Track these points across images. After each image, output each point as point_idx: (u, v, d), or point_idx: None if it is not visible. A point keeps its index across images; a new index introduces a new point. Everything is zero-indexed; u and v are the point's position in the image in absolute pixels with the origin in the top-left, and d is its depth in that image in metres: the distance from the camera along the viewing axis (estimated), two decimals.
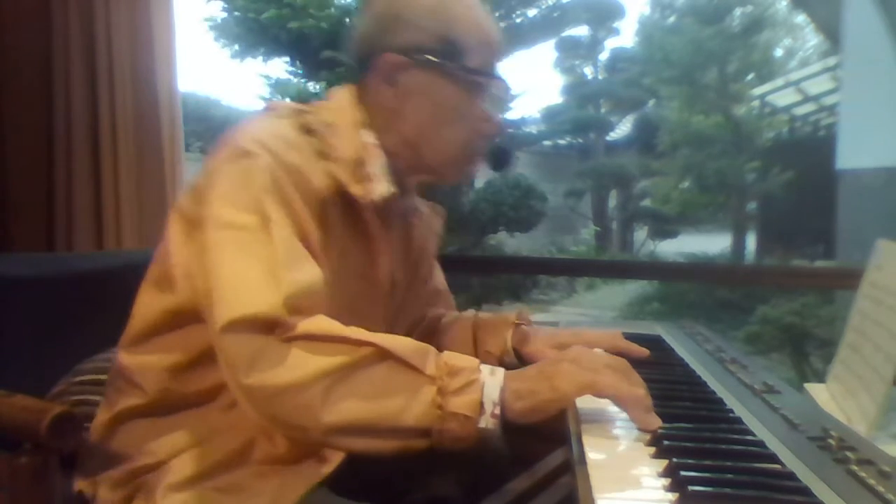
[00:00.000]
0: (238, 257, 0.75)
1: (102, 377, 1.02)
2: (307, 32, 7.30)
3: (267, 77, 8.28)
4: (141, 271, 0.90)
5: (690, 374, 0.91)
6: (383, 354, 0.71)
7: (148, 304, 0.87)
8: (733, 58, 11.00)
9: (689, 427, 0.69)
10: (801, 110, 11.71)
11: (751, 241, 10.94)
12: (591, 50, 13.62)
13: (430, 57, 0.89)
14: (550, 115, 13.03)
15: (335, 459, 0.79)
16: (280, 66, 8.20)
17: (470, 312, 1.14)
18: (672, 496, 0.54)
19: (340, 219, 0.86)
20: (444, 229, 1.13)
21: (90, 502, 0.86)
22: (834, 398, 0.93)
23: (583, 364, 0.74)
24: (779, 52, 13.32)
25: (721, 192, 10.84)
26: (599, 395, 0.73)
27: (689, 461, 0.59)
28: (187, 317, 0.83)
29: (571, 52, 13.61)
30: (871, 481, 0.56)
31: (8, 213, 1.73)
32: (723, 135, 10.54)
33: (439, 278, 1.16)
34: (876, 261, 0.96)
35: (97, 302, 1.17)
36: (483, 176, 9.27)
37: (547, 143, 12.97)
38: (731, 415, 0.74)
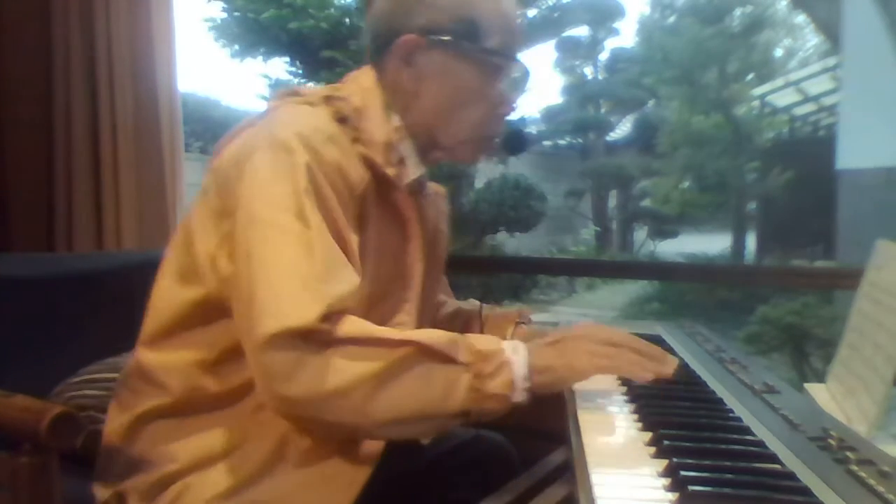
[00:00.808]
0: (280, 263, 0.73)
1: (103, 376, 1.02)
2: (307, 32, 7.31)
3: (267, 77, 8.29)
4: (141, 271, 0.89)
5: (690, 374, 0.91)
6: (420, 351, 0.74)
7: (172, 298, 0.84)
8: (733, 58, 11.00)
9: (689, 427, 0.69)
10: (801, 110, 11.72)
11: (751, 241, 10.94)
12: (591, 50, 13.62)
13: (448, 38, 0.89)
14: (550, 115, 13.03)
15: (369, 461, 0.80)
16: (280, 66, 8.21)
17: (473, 303, 1.14)
18: (672, 496, 0.54)
19: (377, 204, 0.86)
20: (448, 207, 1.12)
21: None
22: (834, 398, 0.93)
23: (597, 339, 0.78)
24: (779, 52, 13.33)
25: (721, 192, 10.84)
26: (613, 374, 0.79)
27: (689, 461, 0.59)
28: (216, 310, 0.81)
29: (571, 52, 13.61)
30: (871, 481, 0.56)
31: (8, 213, 1.73)
32: (723, 135, 10.54)
33: None
34: (876, 261, 0.96)
35: (97, 302, 1.17)
36: (484, 176, 9.27)
37: (547, 143, 12.97)
38: (731, 415, 0.75)
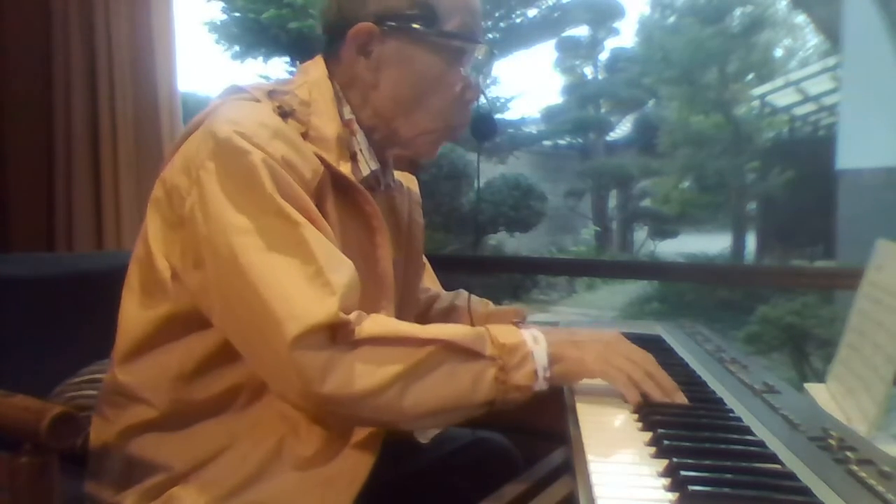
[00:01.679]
0: (277, 266, 0.72)
1: (103, 376, 1.01)
2: (307, 32, 7.30)
3: (267, 78, 8.28)
4: None
5: (690, 374, 0.91)
6: (446, 348, 0.75)
7: (139, 317, 0.82)
8: (733, 58, 10.99)
9: (689, 427, 0.69)
10: (801, 110, 11.71)
11: (751, 241, 10.94)
12: (591, 50, 13.62)
13: (404, 24, 0.85)
14: (550, 115, 13.03)
15: (368, 462, 0.80)
16: (280, 67, 8.20)
17: (462, 295, 1.13)
18: (672, 496, 0.54)
19: (335, 201, 0.83)
20: (420, 195, 1.10)
21: None
22: (834, 398, 0.93)
23: (614, 350, 0.80)
24: (779, 52, 13.32)
25: (721, 192, 10.84)
26: (611, 383, 0.79)
27: (689, 461, 0.59)
28: (186, 324, 0.80)
29: (571, 52, 13.61)
30: (871, 481, 0.56)
31: (8, 213, 1.73)
32: (723, 135, 10.54)
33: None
34: (876, 261, 0.96)
35: (97, 302, 1.16)
36: (483, 176, 9.26)
37: (547, 143, 12.96)
38: (731, 415, 0.75)
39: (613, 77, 13.25)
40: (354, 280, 0.76)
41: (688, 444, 0.65)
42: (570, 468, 0.63)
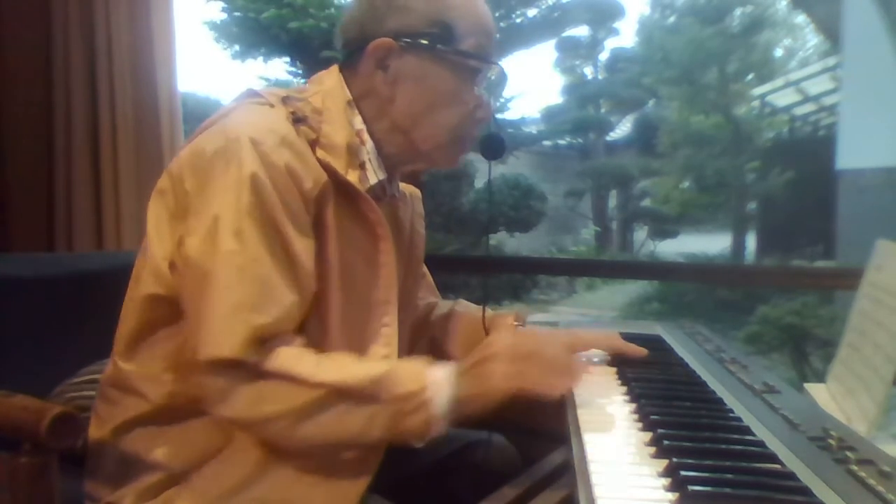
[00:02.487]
0: (217, 286, 0.75)
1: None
2: (307, 32, 7.30)
3: (266, 78, 8.28)
4: None
5: (690, 374, 0.91)
6: (339, 394, 0.76)
7: (137, 301, 0.85)
8: (733, 58, 11.00)
9: (689, 427, 0.69)
10: (801, 110, 11.72)
11: (751, 241, 10.95)
12: (591, 50, 13.63)
13: (423, 41, 0.87)
14: (550, 115, 13.04)
15: (374, 456, 0.82)
16: (280, 67, 8.20)
17: (461, 304, 1.13)
18: (672, 496, 0.54)
19: (341, 207, 0.85)
20: (423, 208, 1.12)
21: None
22: (834, 398, 0.93)
23: (514, 359, 0.79)
24: (779, 52, 13.33)
25: (721, 192, 10.84)
26: (525, 393, 0.79)
27: (689, 461, 0.59)
28: (176, 308, 0.82)
29: (571, 52, 13.62)
30: (871, 481, 0.56)
31: (8, 213, 1.73)
32: (723, 135, 10.54)
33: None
34: (876, 261, 0.96)
35: (97, 302, 1.16)
36: (483, 176, 9.26)
37: (547, 143, 12.96)
38: (731, 415, 0.75)
39: (613, 77, 13.26)
40: (283, 317, 0.77)
41: (688, 444, 0.65)
42: (570, 468, 0.63)
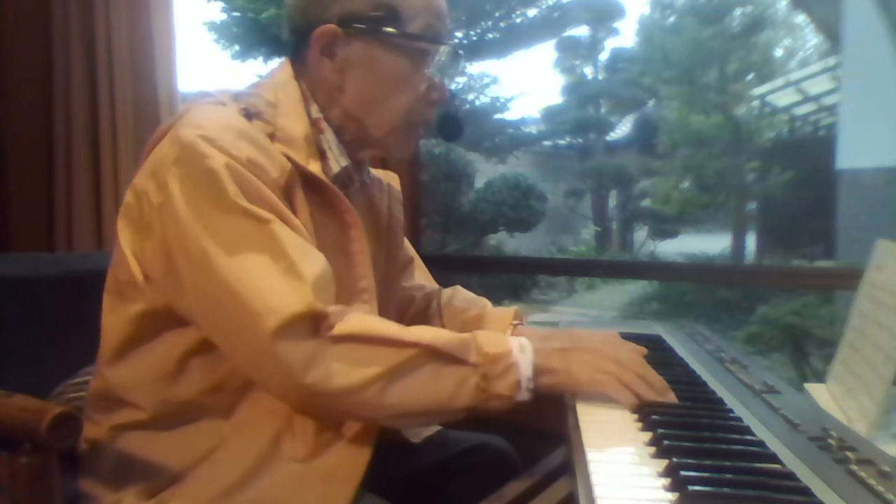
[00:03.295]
0: (249, 263, 0.73)
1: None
2: None
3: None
4: None
5: (690, 374, 0.91)
6: (429, 353, 0.75)
7: (118, 316, 0.84)
8: (733, 58, 10.98)
9: (689, 427, 0.69)
10: (801, 110, 11.70)
11: (751, 241, 10.94)
12: (591, 50, 13.62)
13: (368, 26, 0.86)
14: (550, 115, 13.02)
15: (364, 453, 0.81)
16: None
17: (459, 293, 1.13)
18: (672, 496, 0.54)
19: (306, 198, 0.83)
20: (401, 193, 1.10)
21: None
22: (834, 398, 0.93)
23: (602, 355, 0.79)
24: (779, 52, 13.31)
25: (721, 192, 10.83)
26: (603, 393, 0.78)
27: (689, 461, 0.59)
28: (162, 323, 0.81)
29: (571, 52, 13.61)
30: (871, 481, 0.56)
31: (8, 213, 1.73)
32: (723, 135, 10.53)
33: (408, 245, 1.15)
34: (876, 261, 0.96)
35: (97, 302, 1.16)
36: (483, 176, 9.26)
37: (547, 143, 12.96)
38: (731, 415, 0.75)
39: (613, 77, 13.25)
40: (328, 272, 0.77)
41: (688, 444, 0.65)
42: (570, 468, 0.63)
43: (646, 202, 12.75)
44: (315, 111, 0.89)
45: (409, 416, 0.78)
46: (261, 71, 8.42)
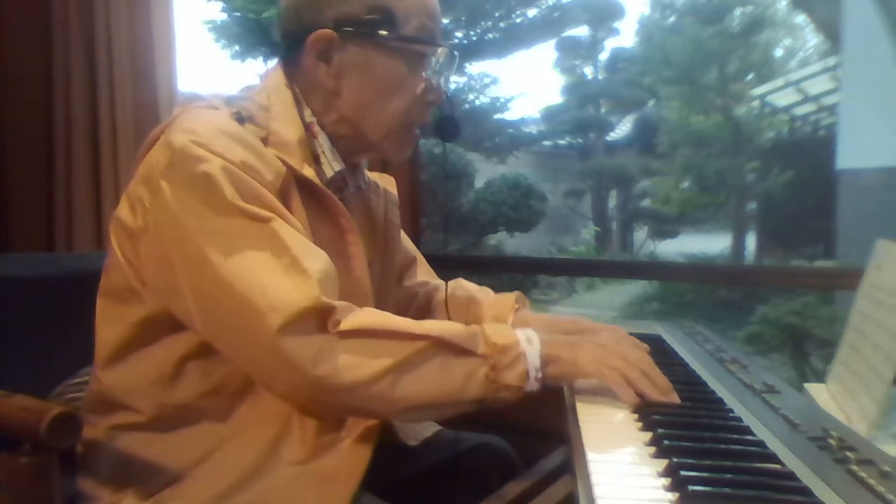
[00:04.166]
0: (250, 261, 0.73)
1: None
2: None
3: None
4: None
5: (690, 374, 0.91)
6: (438, 345, 0.75)
7: (115, 320, 0.84)
8: (733, 58, 10.98)
9: (689, 427, 0.69)
10: (801, 110, 11.70)
11: (751, 241, 10.94)
12: (591, 50, 13.63)
13: (362, 29, 0.85)
14: (550, 115, 13.03)
15: (364, 454, 0.81)
16: None
17: (462, 285, 1.13)
18: (672, 496, 0.54)
19: (302, 202, 0.83)
20: (398, 196, 1.10)
21: None
22: (834, 398, 0.93)
23: (610, 350, 0.80)
24: (779, 52, 13.31)
25: (721, 192, 10.83)
26: (606, 384, 0.79)
27: (689, 461, 0.59)
28: (159, 327, 0.81)
29: (571, 52, 13.62)
30: (871, 481, 0.56)
31: (8, 213, 1.73)
32: (723, 135, 10.53)
33: (410, 245, 1.15)
34: (876, 261, 0.96)
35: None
36: (483, 176, 9.26)
37: (547, 143, 12.96)
38: (731, 415, 0.75)
39: (613, 77, 13.26)
40: (331, 268, 0.77)
41: (688, 444, 0.65)
42: (570, 468, 0.63)
43: (646, 202, 12.75)
44: (308, 115, 0.88)
45: (418, 409, 0.77)
46: (261, 71, 8.40)
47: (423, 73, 0.89)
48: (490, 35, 9.56)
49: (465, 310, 1.08)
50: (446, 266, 1.17)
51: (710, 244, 10.75)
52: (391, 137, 0.91)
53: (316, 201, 0.85)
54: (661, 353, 1.00)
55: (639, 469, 0.61)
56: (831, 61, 9.42)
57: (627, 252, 12.72)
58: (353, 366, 0.72)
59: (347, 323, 0.74)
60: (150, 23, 1.77)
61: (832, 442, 0.65)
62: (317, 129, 0.88)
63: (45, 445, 0.73)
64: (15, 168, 1.74)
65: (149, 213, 0.78)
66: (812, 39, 13.52)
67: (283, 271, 0.73)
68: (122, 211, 0.82)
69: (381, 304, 0.94)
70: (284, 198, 0.81)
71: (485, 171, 9.40)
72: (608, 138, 13.51)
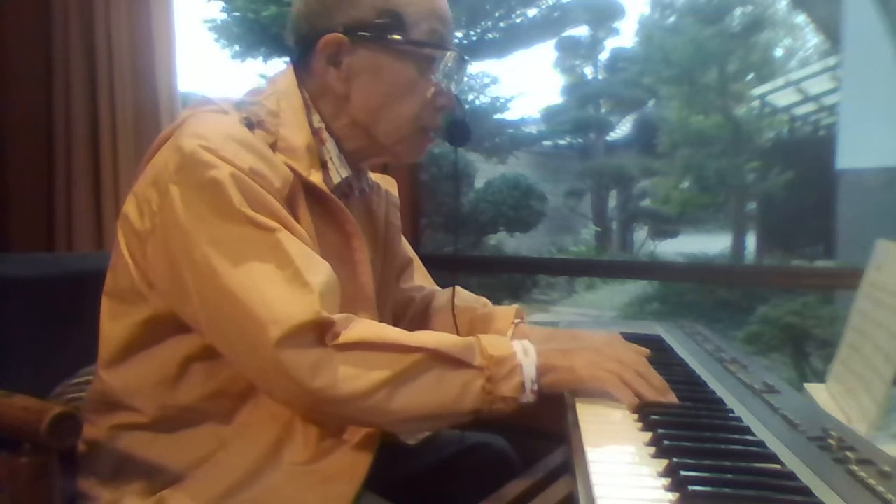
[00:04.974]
0: (254, 271, 0.73)
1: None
2: None
3: (266, 78, 8.28)
4: None
5: (690, 374, 0.91)
6: (434, 357, 0.76)
7: (120, 320, 0.84)
8: (733, 58, 10.98)
9: (689, 427, 0.69)
10: (801, 110, 11.70)
11: (751, 241, 10.94)
12: (591, 50, 13.62)
13: (373, 33, 0.85)
14: (550, 115, 13.02)
15: (366, 457, 0.81)
16: (280, 67, 8.20)
17: (460, 295, 1.11)
18: (672, 496, 0.55)
19: (309, 208, 0.84)
20: (399, 197, 1.10)
21: None
22: (834, 398, 0.93)
23: (604, 355, 0.81)
24: (779, 52, 13.31)
25: (721, 192, 10.83)
26: (604, 391, 0.79)
27: (689, 461, 0.59)
28: (164, 328, 0.81)
29: (571, 52, 13.61)
30: (871, 481, 0.56)
31: (8, 213, 1.73)
32: (723, 135, 10.53)
33: (407, 247, 1.15)
34: (876, 261, 0.96)
35: (97, 302, 1.16)
36: (483, 176, 9.26)
37: (547, 143, 12.96)
38: (731, 415, 0.75)
39: (613, 77, 13.24)
40: (333, 280, 0.77)
41: (688, 444, 0.65)
42: (570, 468, 0.63)
43: (646, 202, 12.74)
44: (317, 121, 0.89)
45: (415, 421, 0.78)
46: (261, 71, 8.42)
47: (433, 77, 0.89)
48: (490, 35, 9.57)
49: (464, 320, 1.08)
50: (446, 266, 1.17)
51: (710, 244, 10.74)
52: (403, 142, 0.92)
53: (322, 207, 0.86)
54: (661, 354, 1.00)
55: (639, 469, 0.61)
56: (831, 61, 9.42)
57: (627, 252, 12.71)
58: (351, 378, 0.73)
59: (345, 336, 0.74)
60: (150, 23, 1.77)
61: (832, 442, 0.65)
62: (325, 135, 0.89)
63: (45, 445, 0.73)
64: (15, 168, 1.74)
65: (156, 215, 0.78)
66: (812, 39, 13.51)
67: (285, 283, 0.73)
68: (130, 211, 0.82)
69: (380, 306, 0.95)
70: (291, 204, 0.81)
71: (485, 171, 9.41)
72: (608, 138, 13.50)
